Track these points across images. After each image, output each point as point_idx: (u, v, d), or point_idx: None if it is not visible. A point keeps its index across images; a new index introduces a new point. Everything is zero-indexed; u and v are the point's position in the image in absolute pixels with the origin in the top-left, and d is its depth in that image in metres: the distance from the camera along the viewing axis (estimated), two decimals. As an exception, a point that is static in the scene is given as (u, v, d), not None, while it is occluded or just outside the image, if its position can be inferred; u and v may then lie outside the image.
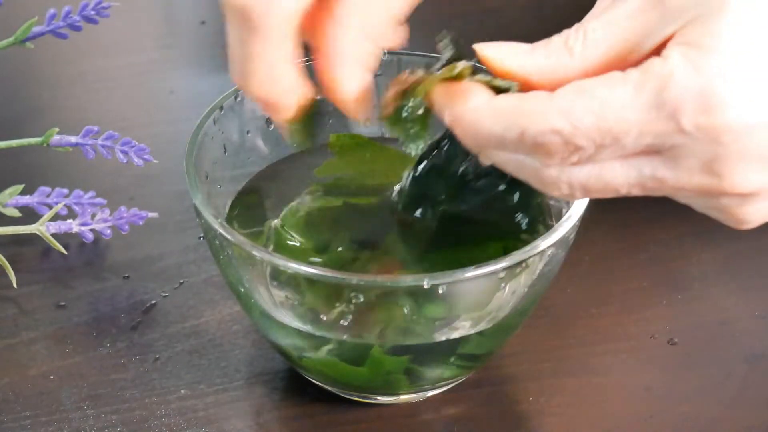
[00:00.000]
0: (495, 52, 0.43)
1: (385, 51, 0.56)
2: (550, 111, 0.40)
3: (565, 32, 0.43)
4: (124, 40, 0.83)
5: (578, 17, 0.44)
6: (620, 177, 0.41)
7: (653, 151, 0.41)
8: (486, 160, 0.44)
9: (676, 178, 0.41)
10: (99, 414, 0.55)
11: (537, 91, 0.42)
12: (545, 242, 0.48)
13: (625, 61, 0.41)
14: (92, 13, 0.65)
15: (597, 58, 0.42)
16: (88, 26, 0.66)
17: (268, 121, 0.58)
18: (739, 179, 0.40)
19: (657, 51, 0.41)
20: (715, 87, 0.39)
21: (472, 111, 0.42)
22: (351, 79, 0.45)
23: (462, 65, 0.44)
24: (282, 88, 0.45)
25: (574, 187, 0.42)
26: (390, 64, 0.57)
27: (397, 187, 0.54)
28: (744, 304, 0.61)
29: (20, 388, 0.56)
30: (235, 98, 0.56)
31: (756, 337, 0.59)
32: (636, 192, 0.42)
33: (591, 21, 0.42)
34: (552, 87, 0.42)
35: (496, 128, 0.42)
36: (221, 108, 0.55)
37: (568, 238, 0.50)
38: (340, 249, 0.53)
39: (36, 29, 0.65)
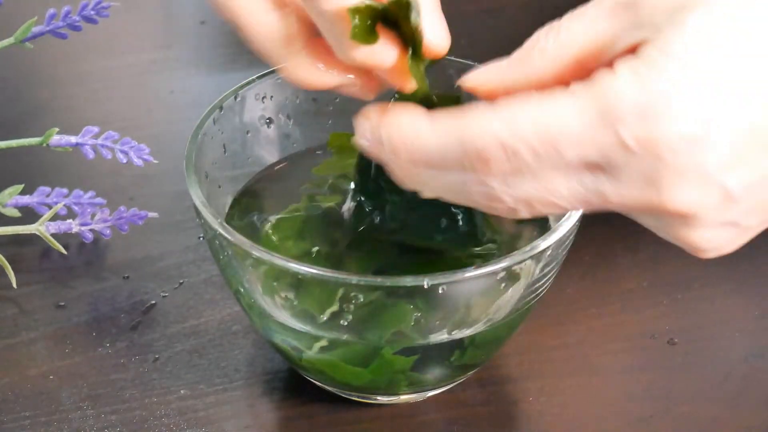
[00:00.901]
0: (476, 80, 0.43)
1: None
2: (491, 119, 0.40)
3: (536, 34, 0.42)
4: (124, 40, 0.83)
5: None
6: (563, 190, 0.41)
7: (596, 167, 0.40)
8: (426, 192, 0.43)
9: (618, 193, 0.40)
10: (99, 414, 0.55)
11: (478, 103, 0.41)
12: (545, 242, 0.48)
13: (598, 62, 0.41)
14: (92, 13, 0.65)
15: (569, 57, 0.42)
16: (88, 26, 0.66)
17: (268, 121, 0.58)
18: (676, 194, 0.40)
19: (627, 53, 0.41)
20: (658, 102, 0.39)
21: (409, 125, 0.42)
22: None
23: None
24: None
25: (518, 201, 0.41)
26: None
27: (346, 206, 0.53)
28: (744, 304, 0.61)
29: (20, 388, 0.56)
30: (235, 98, 0.56)
31: (756, 337, 0.59)
32: (580, 207, 0.42)
33: (563, 21, 0.42)
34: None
35: (435, 141, 0.41)
36: (221, 108, 0.55)
37: (568, 238, 0.50)
38: (331, 251, 0.53)
39: (36, 29, 0.65)
